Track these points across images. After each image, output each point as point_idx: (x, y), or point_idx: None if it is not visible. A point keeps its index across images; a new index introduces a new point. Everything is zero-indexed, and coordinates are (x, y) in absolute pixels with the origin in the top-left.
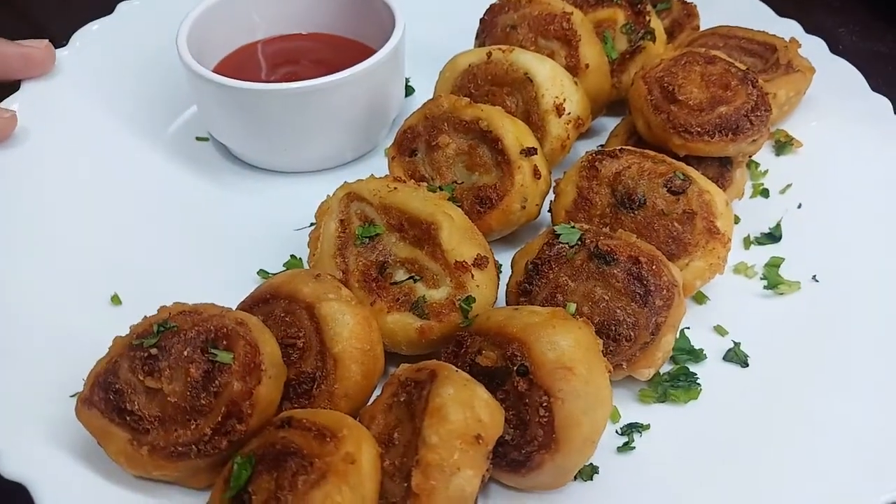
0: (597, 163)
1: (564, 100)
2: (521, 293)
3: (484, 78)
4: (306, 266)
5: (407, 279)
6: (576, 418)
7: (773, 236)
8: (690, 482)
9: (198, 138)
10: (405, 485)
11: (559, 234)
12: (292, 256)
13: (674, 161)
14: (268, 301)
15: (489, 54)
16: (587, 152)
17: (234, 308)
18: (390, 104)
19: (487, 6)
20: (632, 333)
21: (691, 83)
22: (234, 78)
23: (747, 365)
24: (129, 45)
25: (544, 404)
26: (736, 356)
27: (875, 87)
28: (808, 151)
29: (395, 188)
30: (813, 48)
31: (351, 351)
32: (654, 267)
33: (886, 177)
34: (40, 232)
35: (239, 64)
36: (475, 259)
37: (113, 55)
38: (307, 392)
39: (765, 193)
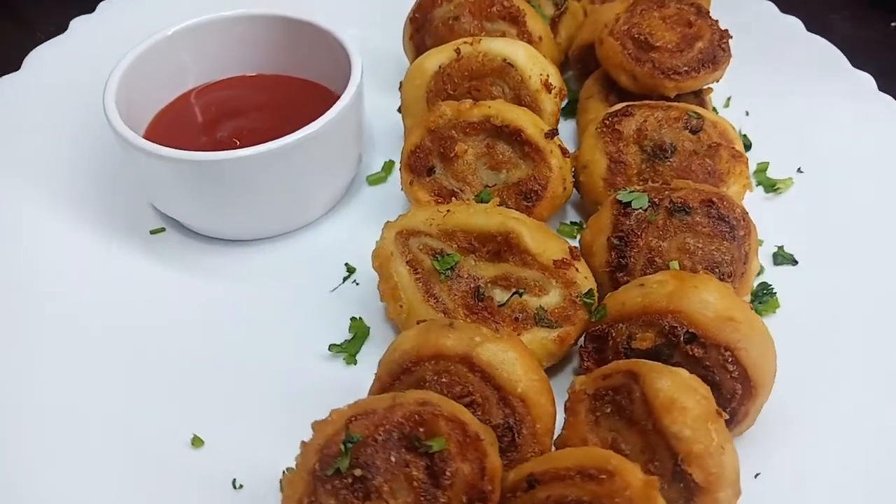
0: (616, 125)
1: (548, 75)
2: (616, 269)
3: (460, 75)
4: (370, 323)
5: (512, 296)
6: (761, 360)
7: (744, 146)
8: (814, 382)
9: (152, 231)
10: (680, 485)
11: (629, 202)
12: (353, 319)
13: (676, 104)
14: (410, 370)
15: (458, 50)
16: (600, 117)
17: (365, 396)
18: (357, 145)
19: (411, 6)
20: (731, 269)
21: (658, 28)
22: (175, 138)
23: (797, 262)
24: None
25: (730, 359)
26: (784, 258)
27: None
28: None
29: (448, 211)
30: None
31: (533, 385)
32: (725, 202)
33: (813, 60)
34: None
35: (178, 120)
36: (571, 252)
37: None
38: (512, 442)
39: (713, 111)
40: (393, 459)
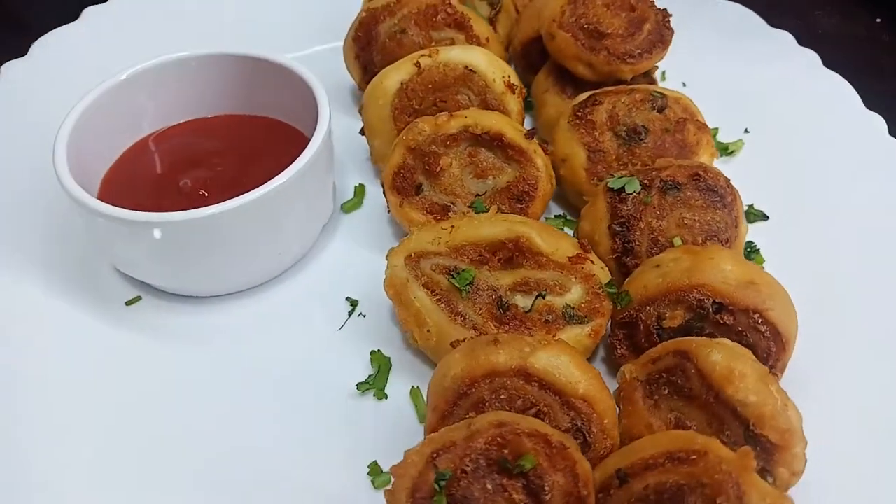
0: (588, 115)
1: (509, 76)
2: (623, 254)
3: (424, 89)
4: (388, 353)
5: (536, 299)
6: (786, 315)
7: None
8: (815, 328)
9: (128, 302)
10: (756, 448)
11: (622, 188)
12: (373, 353)
13: (636, 86)
14: (467, 394)
15: (417, 64)
16: (569, 110)
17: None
18: (331, 182)
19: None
20: (728, 235)
21: (604, 16)
22: (134, 191)
23: (768, 217)
24: None
25: (760, 321)
26: (756, 215)
27: (852, 70)
28: None
29: (453, 226)
30: None
31: (592, 383)
32: (710, 173)
33: (733, 25)
34: None
35: (136, 171)
36: (582, 246)
37: None
38: (584, 443)
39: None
40: (489, 487)
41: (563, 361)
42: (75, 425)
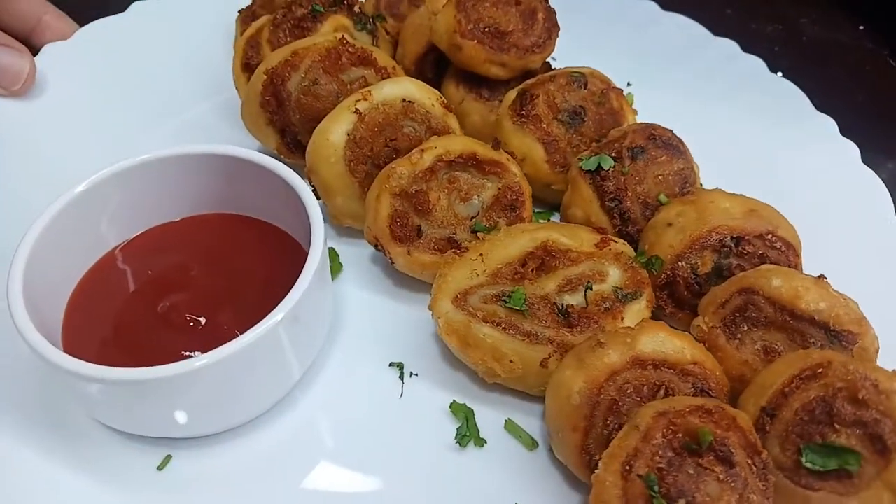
0: (530, 111)
1: (440, 97)
2: (623, 225)
3: (372, 133)
4: (461, 400)
5: (586, 292)
6: (788, 227)
7: None
8: None
9: (160, 467)
10: (841, 343)
11: (597, 167)
12: (452, 404)
13: (553, 72)
14: (597, 402)
15: (357, 111)
16: (505, 112)
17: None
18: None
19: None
20: (693, 178)
21: (497, 16)
22: (103, 324)
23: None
24: None
25: (773, 239)
26: None
27: (834, 77)
28: None
29: (480, 255)
30: None
31: (693, 345)
32: (658, 130)
33: None
34: None
35: (104, 300)
36: (599, 230)
37: None
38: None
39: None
40: (692, 472)
41: (663, 337)
42: None
